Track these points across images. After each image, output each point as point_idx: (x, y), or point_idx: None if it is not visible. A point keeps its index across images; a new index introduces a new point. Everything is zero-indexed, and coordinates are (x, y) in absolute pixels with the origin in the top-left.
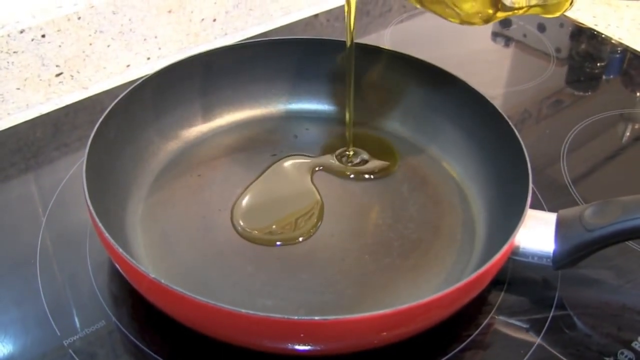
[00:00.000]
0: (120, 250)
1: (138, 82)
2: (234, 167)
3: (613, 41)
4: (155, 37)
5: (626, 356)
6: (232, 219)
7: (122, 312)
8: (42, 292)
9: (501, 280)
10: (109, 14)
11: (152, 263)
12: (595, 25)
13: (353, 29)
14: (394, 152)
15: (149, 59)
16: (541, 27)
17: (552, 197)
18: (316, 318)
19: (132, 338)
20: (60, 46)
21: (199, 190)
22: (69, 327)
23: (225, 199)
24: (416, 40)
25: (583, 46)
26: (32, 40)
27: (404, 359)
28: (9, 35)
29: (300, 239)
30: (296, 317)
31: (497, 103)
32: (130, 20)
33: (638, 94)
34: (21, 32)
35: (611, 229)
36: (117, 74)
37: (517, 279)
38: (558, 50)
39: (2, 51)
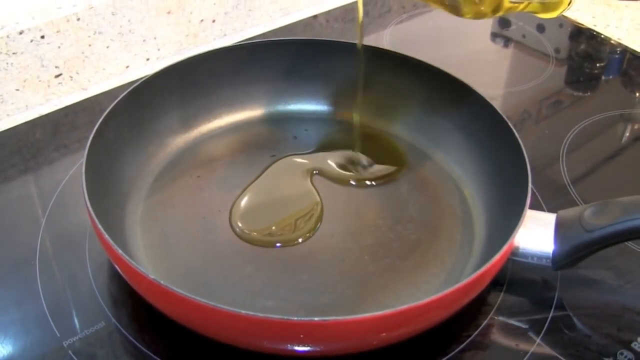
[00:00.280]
0: (120, 251)
1: (137, 83)
2: (234, 168)
3: (612, 41)
4: (155, 38)
5: (626, 356)
6: (230, 220)
7: (121, 313)
8: (41, 293)
9: (501, 281)
10: (108, 15)
11: (151, 264)
12: (595, 25)
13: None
14: (399, 156)
15: (148, 60)
16: (540, 28)
17: (551, 198)
18: (316, 319)
19: (131, 339)
20: (59, 47)
21: (199, 191)
22: (69, 328)
23: (224, 200)
24: (415, 41)
25: (582, 46)
26: (32, 41)
27: None
28: (8, 37)
29: (300, 240)
30: (296, 318)
31: (497, 103)
32: (129, 21)
33: (637, 94)
34: (20, 33)
35: (610, 230)
36: (117, 75)
37: (517, 280)
38: (557, 50)
39: (1, 52)
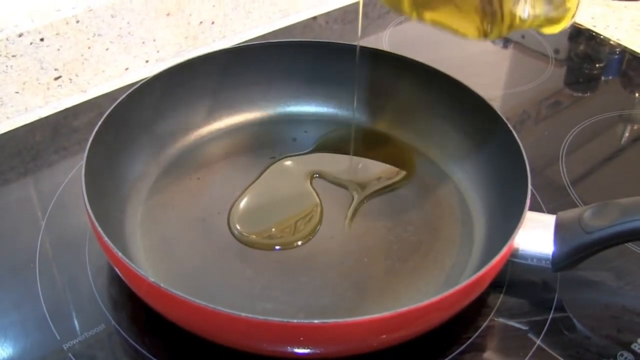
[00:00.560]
0: (120, 253)
1: (137, 86)
2: (233, 170)
3: (612, 42)
4: (154, 40)
5: (626, 358)
6: (228, 223)
7: (121, 316)
8: (41, 296)
9: (500, 283)
10: (107, 17)
11: (151, 266)
12: (594, 26)
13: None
14: (400, 158)
15: (147, 62)
16: None
17: (551, 199)
18: (315, 321)
19: (131, 341)
20: (59, 50)
21: (198, 193)
22: (69, 330)
23: (224, 202)
24: (414, 42)
25: (582, 47)
26: (31, 43)
27: None
28: (7, 39)
29: (300, 242)
30: (295, 321)
31: (496, 105)
32: (128, 23)
33: (637, 94)
34: (20, 35)
35: (610, 231)
36: (116, 77)
37: (517, 281)
38: (557, 51)
39: (0, 55)
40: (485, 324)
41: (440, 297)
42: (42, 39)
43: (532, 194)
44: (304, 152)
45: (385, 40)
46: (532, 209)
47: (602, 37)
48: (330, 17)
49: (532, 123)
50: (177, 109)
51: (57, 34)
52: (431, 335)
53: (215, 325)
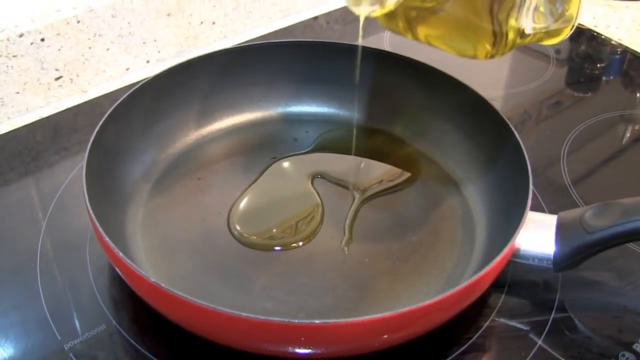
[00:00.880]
0: (121, 254)
1: (137, 86)
2: (234, 170)
3: (613, 42)
4: (155, 40)
5: (627, 358)
6: (229, 224)
7: (122, 316)
8: (42, 296)
9: (502, 283)
10: (108, 17)
11: (152, 267)
12: (595, 26)
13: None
14: (401, 159)
15: (148, 62)
16: None
17: (552, 199)
18: (316, 321)
19: (132, 342)
20: (59, 50)
21: (199, 193)
22: (70, 330)
23: (225, 203)
24: (415, 42)
25: (583, 47)
26: (32, 44)
27: None
28: (8, 39)
29: (300, 243)
30: (296, 321)
31: (497, 105)
32: (129, 23)
33: (638, 95)
34: (20, 36)
35: (612, 231)
36: (117, 77)
37: (518, 282)
38: (558, 51)
39: (1, 55)
40: (486, 324)
41: (441, 297)
42: (42, 39)
43: (534, 194)
44: (304, 152)
45: (386, 40)
46: (533, 209)
47: (603, 37)
48: (331, 17)
49: (534, 123)
50: (177, 109)
51: (57, 34)
52: (432, 335)
53: (216, 325)
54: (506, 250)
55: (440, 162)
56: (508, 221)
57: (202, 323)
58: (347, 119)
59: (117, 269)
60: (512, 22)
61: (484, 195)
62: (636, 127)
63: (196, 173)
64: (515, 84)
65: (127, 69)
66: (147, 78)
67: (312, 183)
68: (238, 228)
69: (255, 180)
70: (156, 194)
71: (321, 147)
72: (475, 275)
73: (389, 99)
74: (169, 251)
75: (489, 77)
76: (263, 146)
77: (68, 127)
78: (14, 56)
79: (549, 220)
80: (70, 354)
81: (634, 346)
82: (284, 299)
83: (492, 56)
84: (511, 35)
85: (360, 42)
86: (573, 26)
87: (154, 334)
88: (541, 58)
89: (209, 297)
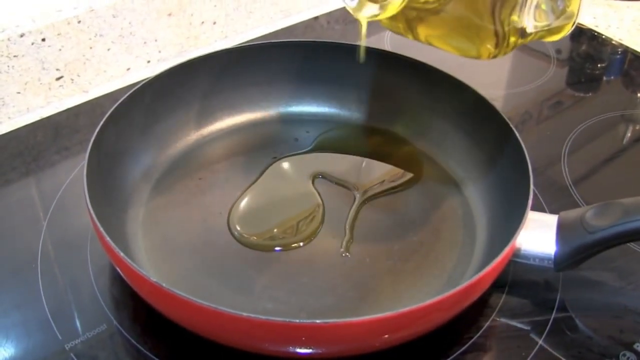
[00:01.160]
0: (122, 254)
1: (138, 86)
2: (235, 170)
3: (614, 42)
4: (156, 40)
5: (628, 358)
6: (229, 225)
7: (123, 316)
8: (43, 296)
9: (502, 283)
10: (109, 17)
11: (153, 266)
12: (596, 26)
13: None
14: (402, 159)
15: (149, 62)
16: None
17: (553, 199)
18: (317, 321)
19: (133, 341)
20: (60, 50)
21: (200, 193)
22: (71, 330)
23: (226, 203)
24: (416, 42)
25: (583, 47)
26: (33, 44)
27: None
28: (9, 39)
29: (301, 244)
30: (297, 321)
31: (498, 105)
32: (130, 23)
33: (639, 95)
34: (21, 36)
35: (612, 231)
36: (118, 77)
37: (519, 281)
38: (558, 51)
39: (2, 55)
40: (487, 324)
41: (442, 297)
42: (43, 39)
43: (534, 194)
44: (305, 152)
45: (387, 40)
46: (534, 209)
47: (604, 37)
48: (332, 17)
49: (534, 123)
50: (178, 109)
51: (58, 34)
52: (433, 335)
53: (217, 325)
54: (507, 250)
55: (441, 162)
56: (509, 221)
57: (203, 323)
58: (348, 118)
59: (118, 269)
60: (514, 21)
61: (484, 195)
62: (637, 127)
63: (197, 173)
64: (516, 84)
65: (128, 69)
66: (148, 78)
67: (313, 183)
68: (238, 229)
69: (256, 180)
70: (157, 194)
71: (322, 147)
72: (476, 275)
73: (390, 99)
74: (170, 251)
75: (489, 77)
76: (264, 146)
77: (69, 127)
78: (14, 56)
79: (550, 220)
80: (71, 354)
81: (635, 346)
82: (285, 299)
83: (494, 56)
84: (513, 35)
85: (362, 47)
86: (574, 22)
87: (154, 334)
88: (542, 58)
89: (209, 297)
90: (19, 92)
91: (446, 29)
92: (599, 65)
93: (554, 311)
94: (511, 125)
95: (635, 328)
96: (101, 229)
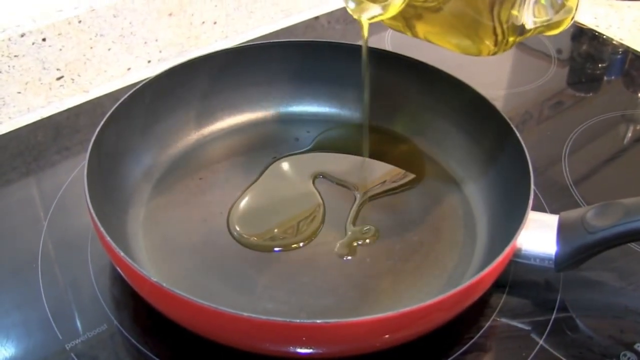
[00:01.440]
0: (122, 253)
1: (139, 86)
2: (236, 170)
3: (614, 42)
4: (156, 40)
5: (629, 358)
6: (229, 225)
7: (123, 316)
8: (43, 296)
9: (503, 283)
10: (109, 17)
11: (153, 266)
12: (597, 26)
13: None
14: (403, 159)
15: (149, 62)
16: None
17: (553, 199)
18: (318, 321)
19: (134, 341)
20: (61, 50)
21: (201, 193)
22: (71, 330)
23: (226, 202)
24: (416, 42)
25: (584, 47)
26: (33, 44)
27: None
28: (9, 39)
29: (302, 244)
30: (298, 321)
31: (498, 105)
32: (130, 23)
33: (639, 94)
34: (22, 36)
35: (613, 231)
36: (118, 77)
37: (519, 282)
38: (559, 51)
39: (3, 55)
40: (487, 324)
41: (443, 297)
42: (44, 39)
43: (535, 194)
44: (306, 151)
45: (388, 40)
46: (534, 209)
47: (604, 37)
48: (333, 17)
49: (535, 123)
50: (178, 109)
51: (59, 34)
52: (433, 335)
53: (218, 325)
54: (507, 250)
55: (442, 162)
56: (509, 221)
57: (203, 323)
58: (348, 118)
59: (118, 269)
60: (514, 17)
61: (485, 195)
62: (637, 127)
63: (197, 173)
64: (516, 84)
65: (129, 68)
66: (148, 78)
67: (313, 183)
68: (238, 229)
69: (256, 180)
70: (157, 194)
71: (322, 147)
72: (477, 275)
73: (390, 98)
74: (171, 251)
75: (490, 76)
76: (264, 146)
77: (69, 127)
78: (15, 56)
79: (551, 220)
80: (72, 354)
81: (636, 346)
82: (285, 299)
83: (493, 53)
84: (512, 32)
85: (364, 51)
86: (573, 16)
87: (155, 334)
88: (542, 58)
89: (209, 297)
90: (19, 92)
91: (445, 26)
92: (599, 65)
93: (555, 311)
94: (512, 125)
95: (635, 328)
96: (102, 228)
